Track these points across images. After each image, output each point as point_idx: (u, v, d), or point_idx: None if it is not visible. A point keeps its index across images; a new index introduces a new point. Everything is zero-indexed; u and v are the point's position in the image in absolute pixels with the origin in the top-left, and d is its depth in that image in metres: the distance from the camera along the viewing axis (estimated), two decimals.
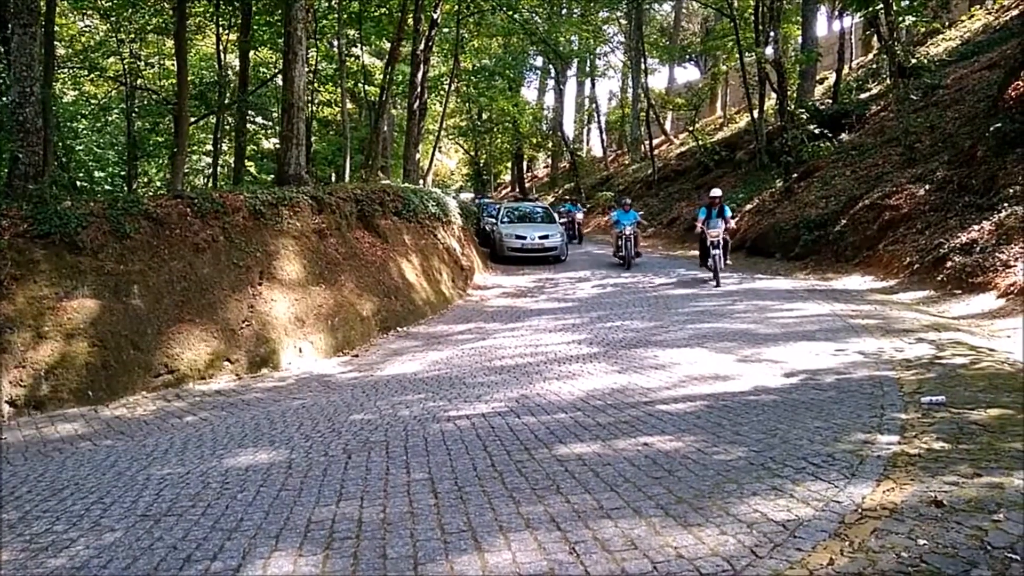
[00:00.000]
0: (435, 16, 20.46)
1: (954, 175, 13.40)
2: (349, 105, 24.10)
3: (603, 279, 16.10)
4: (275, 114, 24.29)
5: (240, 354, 9.03)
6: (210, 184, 24.33)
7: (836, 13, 31.67)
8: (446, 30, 25.81)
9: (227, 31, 21.37)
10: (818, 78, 29.79)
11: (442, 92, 29.33)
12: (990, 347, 7.31)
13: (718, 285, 13.31)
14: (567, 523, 3.70)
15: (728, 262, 14.84)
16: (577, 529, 3.62)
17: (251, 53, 21.58)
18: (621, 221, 18.43)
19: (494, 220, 22.96)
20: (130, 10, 19.53)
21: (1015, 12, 22.63)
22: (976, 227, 11.38)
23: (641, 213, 20.62)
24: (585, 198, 36.05)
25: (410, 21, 19.64)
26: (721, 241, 13.81)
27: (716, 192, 14.69)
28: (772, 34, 23.94)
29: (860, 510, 3.60)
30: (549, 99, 50.35)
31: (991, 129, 12.56)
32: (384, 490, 4.40)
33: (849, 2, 18.38)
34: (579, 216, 27.94)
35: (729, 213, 14.52)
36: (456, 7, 24.69)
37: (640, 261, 18.81)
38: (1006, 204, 11.23)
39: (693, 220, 18.74)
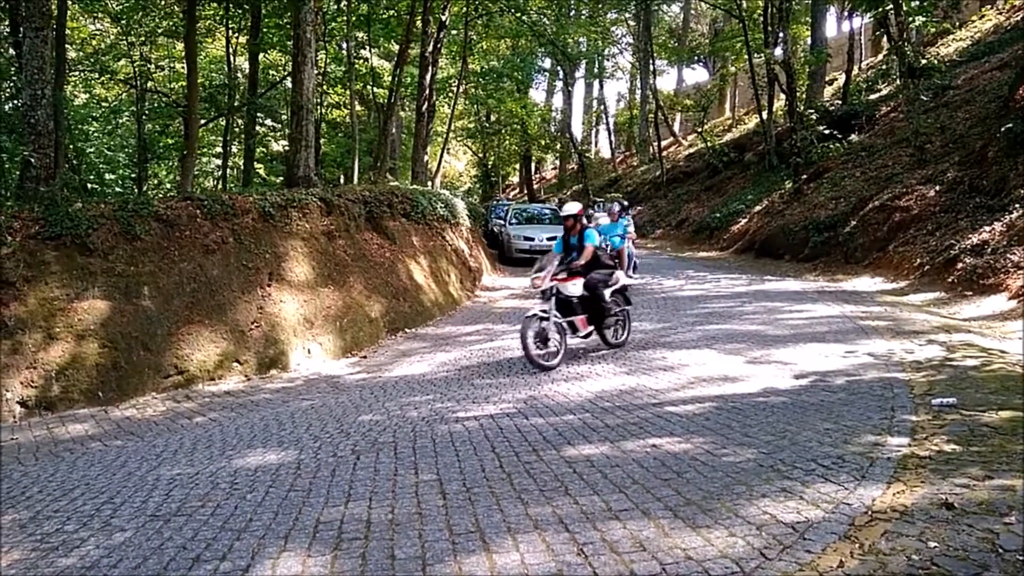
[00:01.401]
0: (443, 18, 20.50)
1: (965, 176, 13.32)
2: (358, 107, 24.18)
3: None
4: (284, 116, 24.38)
5: (249, 355, 9.06)
6: (220, 186, 24.42)
7: (845, 13, 31.49)
8: (454, 32, 25.85)
9: (237, 34, 21.47)
10: (827, 79, 29.70)
11: (450, 94, 29.39)
12: (1001, 349, 7.26)
13: (544, 370, 7.80)
14: (575, 524, 3.69)
15: (618, 337, 8.86)
16: (586, 530, 3.61)
17: (260, 56, 21.69)
18: (606, 235, 13.38)
19: (502, 221, 22.97)
20: (140, 13, 19.66)
21: None
22: (987, 228, 11.32)
23: (627, 222, 14.33)
24: (594, 199, 35.94)
25: (418, 23, 19.69)
26: (570, 293, 8.23)
27: (569, 208, 8.83)
28: (781, 35, 23.89)
29: (870, 512, 3.58)
30: (557, 101, 50.40)
31: (1002, 130, 12.49)
32: (392, 491, 4.41)
33: (858, 2, 18.30)
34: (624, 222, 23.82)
35: (595, 241, 8.53)
36: (464, 9, 24.72)
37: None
38: (1017, 205, 11.16)
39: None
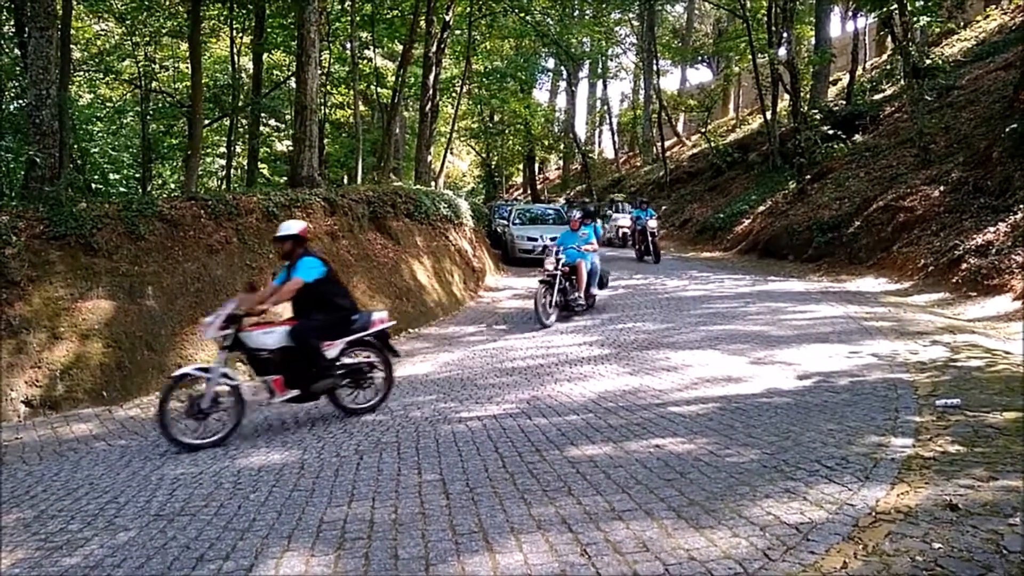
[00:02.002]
0: (447, 18, 20.50)
1: (969, 176, 13.29)
2: (361, 107, 24.19)
3: (614, 280, 16.03)
4: (288, 117, 24.41)
5: None
6: (224, 186, 24.47)
7: (850, 13, 31.51)
8: (458, 32, 25.85)
9: (241, 34, 21.49)
10: (831, 79, 29.65)
11: (454, 94, 29.39)
12: (1006, 350, 7.24)
13: (190, 450, 5.81)
14: (579, 525, 3.69)
15: (359, 400, 6.75)
16: (589, 531, 3.61)
17: (264, 56, 21.69)
18: (562, 247, 11.46)
19: (506, 222, 22.98)
20: (145, 13, 19.69)
21: None
22: (991, 229, 11.29)
23: (587, 232, 11.93)
24: (598, 200, 35.87)
25: (422, 23, 19.69)
26: (262, 344, 6.18)
27: (286, 228, 6.58)
28: (785, 35, 23.84)
29: (874, 513, 3.58)
30: (561, 101, 50.43)
31: (1007, 130, 12.45)
32: (396, 491, 4.41)
33: (863, 2, 18.27)
34: (652, 224, 19.34)
35: (312, 274, 6.28)
36: (468, 9, 24.74)
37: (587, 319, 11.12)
38: (1022, 206, 11.13)
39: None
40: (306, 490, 4.55)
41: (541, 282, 11.10)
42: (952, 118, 17.34)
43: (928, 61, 19.77)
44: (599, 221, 26.98)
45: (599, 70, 44.58)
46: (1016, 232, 10.73)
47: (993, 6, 26.13)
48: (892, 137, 19.89)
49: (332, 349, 6.43)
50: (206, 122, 20.33)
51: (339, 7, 22.56)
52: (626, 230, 23.74)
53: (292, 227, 6.59)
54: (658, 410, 5.87)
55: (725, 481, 4.15)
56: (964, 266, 11.06)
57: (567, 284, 11.26)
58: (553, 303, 10.97)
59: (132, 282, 8.47)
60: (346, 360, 6.63)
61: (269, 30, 20.60)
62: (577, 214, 12.55)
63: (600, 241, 13.91)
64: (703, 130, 35.02)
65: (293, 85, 18.53)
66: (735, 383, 6.58)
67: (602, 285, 12.23)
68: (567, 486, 4.26)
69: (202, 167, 23.92)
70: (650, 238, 19.15)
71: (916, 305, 10.52)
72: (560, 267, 11.05)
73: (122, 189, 17.97)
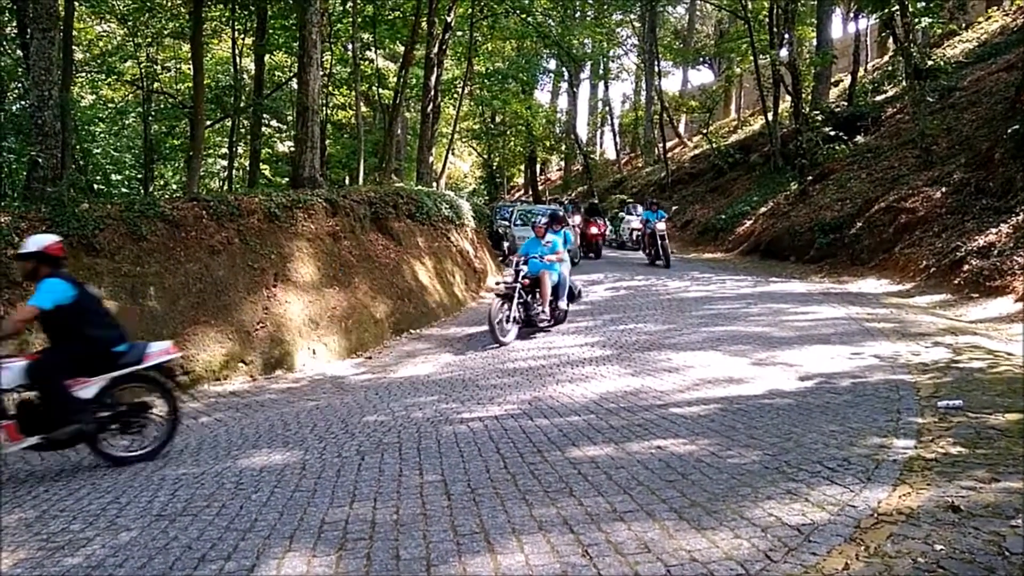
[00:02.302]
0: (449, 19, 20.51)
1: (971, 178, 13.28)
2: (363, 108, 24.22)
3: (616, 282, 16.05)
4: (290, 118, 24.44)
5: (255, 355, 9.08)
6: (225, 187, 24.51)
7: (851, 15, 31.45)
8: (460, 33, 25.87)
9: (243, 35, 21.54)
10: (833, 80, 29.63)
11: (455, 95, 29.41)
12: (1008, 351, 7.23)
13: None
14: (580, 526, 3.69)
15: (133, 447, 5.84)
16: (590, 532, 3.61)
17: (266, 57, 21.73)
18: (525, 256, 10.73)
19: (507, 223, 22.98)
20: (147, 15, 19.74)
21: None
22: (994, 230, 11.28)
23: (554, 239, 10.91)
24: (600, 201, 35.80)
25: (424, 24, 19.71)
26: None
27: (30, 243, 5.54)
28: (786, 36, 23.84)
29: (876, 514, 3.57)
30: (562, 102, 50.37)
31: (1009, 131, 12.45)
32: (397, 491, 4.41)
33: (864, 3, 18.27)
34: (660, 226, 18.45)
35: (51, 299, 5.28)
36: (470, 10, 24.75)
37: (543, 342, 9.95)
38: None
39: None
40: (308, 491, 4.56)
41: (498, 295, 10.20)
42: (954, 119, 17.34)
43: (930, 62, 19.72)
44: (608, 223, 26.90)
45: (600, 71, 44.56)
46: (1018, 233, 10.72)
47: (995, 7, 26.11)
48: (894, 138, 19.89)
49: (87, 388, 5.46)
50: (208, 123, 20.38)
51: (341, 8, 22.59)
52: (639, 232, 23.16)
53: (36, 243, 5.49)
54: (660, 411, 5.87)
55: (727, 482, 4.15)
56: (966, 267, 11.05)
57: (529, 297, 10.39)
58: (512, 318, 10.08)
59: (134, 283, 8.48)
60: (108, 401, 5.66)
61: (271, 31, 20.64)
62: (543, 220, 11.32)
63: (571, 249, 12.99)
64: (705, 131, 35.04)
65: (295, 86, 18.54)
66: (737, 384, 6.57)
67: (572, 298, 11.28)
68: (568, 487, 4.26)
69: (204, 168, 23.98)
70: (659, 241, 18.36)
71: (918, 306, 10.52)
72: (520, 279, 10.22)
73: (124, 190, 18.01)
